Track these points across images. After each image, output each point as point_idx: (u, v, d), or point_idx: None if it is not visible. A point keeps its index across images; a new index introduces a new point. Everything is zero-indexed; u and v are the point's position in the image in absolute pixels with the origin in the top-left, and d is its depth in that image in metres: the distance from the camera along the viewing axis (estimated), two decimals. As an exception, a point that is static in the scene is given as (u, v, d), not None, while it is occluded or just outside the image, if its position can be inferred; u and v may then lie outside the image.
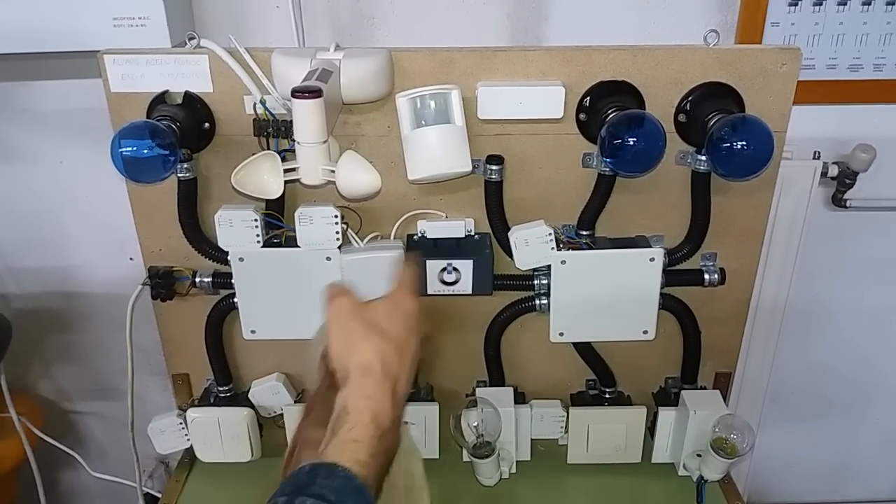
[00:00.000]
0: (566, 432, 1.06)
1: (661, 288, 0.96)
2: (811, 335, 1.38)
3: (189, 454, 1.10)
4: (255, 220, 0.91)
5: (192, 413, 1.05)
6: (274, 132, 0.88)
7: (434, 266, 0.93)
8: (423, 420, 1.05)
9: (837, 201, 1.22)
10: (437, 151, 0.87)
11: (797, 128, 0.92)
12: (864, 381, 1.45)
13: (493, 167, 0.91)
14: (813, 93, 1.11)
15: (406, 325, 0.64)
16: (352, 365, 0.60)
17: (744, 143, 0.83)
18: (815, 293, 1.33)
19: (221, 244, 0.93)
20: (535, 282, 0.98)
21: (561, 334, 0.99)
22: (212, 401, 1.07)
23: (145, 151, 0.84)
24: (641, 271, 0.94)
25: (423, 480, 0.69)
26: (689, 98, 0.89)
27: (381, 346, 0.61)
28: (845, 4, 1.08)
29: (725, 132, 0.84)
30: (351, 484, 0.54)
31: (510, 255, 0.95)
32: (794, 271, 1.26)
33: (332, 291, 0.65)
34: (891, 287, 1.34)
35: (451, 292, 0.95)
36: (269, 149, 0.88)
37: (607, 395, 1.08)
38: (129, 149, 0.84)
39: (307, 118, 0.76)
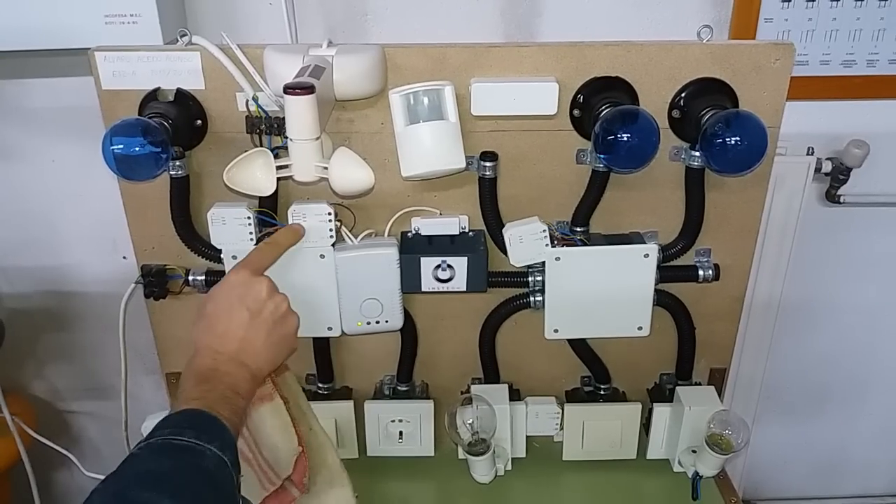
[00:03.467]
0: (561, 429, 1.06)
1: (656, 284, 0.96)
2: (805, 331, 1.38)
3: (183, 453, 1.09)
4: (248, 217, 0.91)
5: (185, 412, 1.04)
6: (266, 129, 0.88)
7: (428, 263, 0.93)
8: (417, 418, 1.04)
9: (831, 197, 1.23)
10: (431, 148, 0.86)
11: (791, 124, 0.92)
12: (858, 376, 1.45)
13: (487, 164, 0.91)
14: (806, 88, 1.11)
15: (224, 302, 0.75)
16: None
17: (738, 138, 0.83)
18: (809, 289, 1.33)
19: (214, 242, 0.93)
20: (530, 278, 0.97)
21: (555, 331, 0.99)
22: (206, 399, 1.07)
23: (137, 149, 0.83)
24: (636, 268, 0.94)
25: (340, 468, 0.83)
26: (683, 94, 0.89)
27: (198, 332, 0.74)
28: (838, 0, 1.09)
29: (719, 128, 0.84)
30: (199, 414, 0.64)
31: (504, 251, 0.94)
32: (787, 267, 1.27)
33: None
34: (885, 283, 1.34)
35: (445, 289, 0.95)
36: (261, 146, 0.88)
37: (602, 392, 1.08)
38: (121, 146, 0.83)
39: (300, 114, 0.76)
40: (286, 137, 0.79)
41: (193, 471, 0.60)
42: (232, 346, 0.73)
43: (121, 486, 0.57)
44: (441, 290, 0.95)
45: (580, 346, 1.05)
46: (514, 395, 1.07)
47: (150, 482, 0.57)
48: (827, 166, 1.18)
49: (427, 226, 0.95)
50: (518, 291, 1.00)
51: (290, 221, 0.90)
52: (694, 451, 1.01)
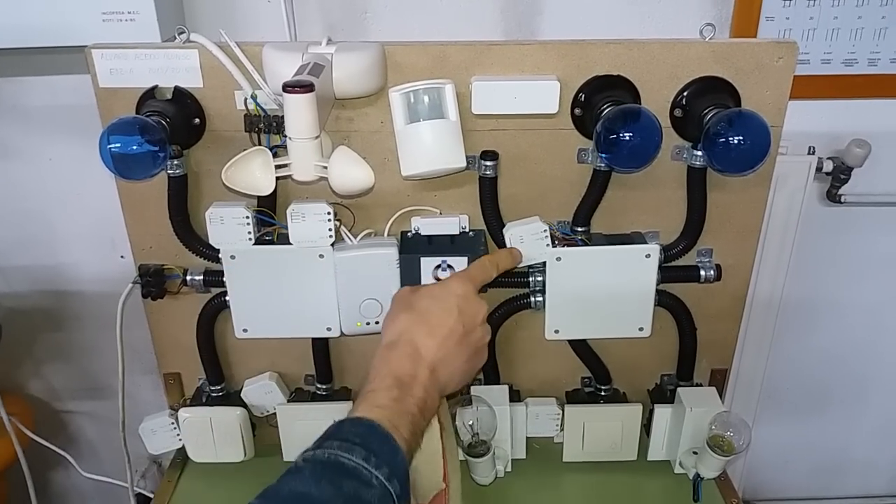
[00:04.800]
0: (562, 430, 1.06)
1: (657, 284, 0.95)
2: (806, 331, 1.38)
3: (181, 454, 1.09)
4: (247, 217, 0.90)
5: (183, 413, 1.04)
6: (265, 128, 0.87)
7: (428, 263, 0.92)
8: (417, 418, 1.04)
9: (832, 197, 1.22)
10: (431, 147, 0.86)
11: (792, 123, 0.92)
12: (859, 376, 1.45)
13: (488, 163, 0.90)
14: (808, 87, 1.11)
15: (444, 306, 0.72)
16: (382, 340, 0.72)
17: (740, 137, 0.83)
18: (810, 289, 1.33)
19: (213, 242, 0.92)
20: (530, 279, 0.97)
21: (556, 332, 0.99)
22: (204, 400, 1.06)
23: (135, 147, 0.83)
24: (637, 268, 0.94)
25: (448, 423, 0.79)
26: (685, 92, 0.88)
27: (407, 323, 0.71)
28: (840, -1, 1.08)
29: (722, 127, 0.83)
30: (374, 429, 0.60)
31: (505, 251, 0.94)
32: (788, 267, 1.26)
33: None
34: (885, 282, 1.34)
35: (445, 289, 0.94)
36: (260, 144, 0.87)
37: (603, 393, 1.08)
38: (119, 145, 0.82)
39: (299, 113, 0.75)
40: (285, 136, 0.79)
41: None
42: (437, 355, 0.69)
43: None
44: (441, 290, 0.94)
45: (581, 347, 1.04)
46: (514, 396, 1.06)
47: None
48: (828, 166, 1.18)
49: (427, 225, 0.95)
50: (518, 292, 0.99)
51: (289, 221, 0.90)
52: (695, 453, 1.00)
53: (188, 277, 0.97)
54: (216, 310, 1.00)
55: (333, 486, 0.54)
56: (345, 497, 0.54)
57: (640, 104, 0.88)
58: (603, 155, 0.87)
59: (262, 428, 1.09)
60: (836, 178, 1.19)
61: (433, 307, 0.71)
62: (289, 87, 0.73)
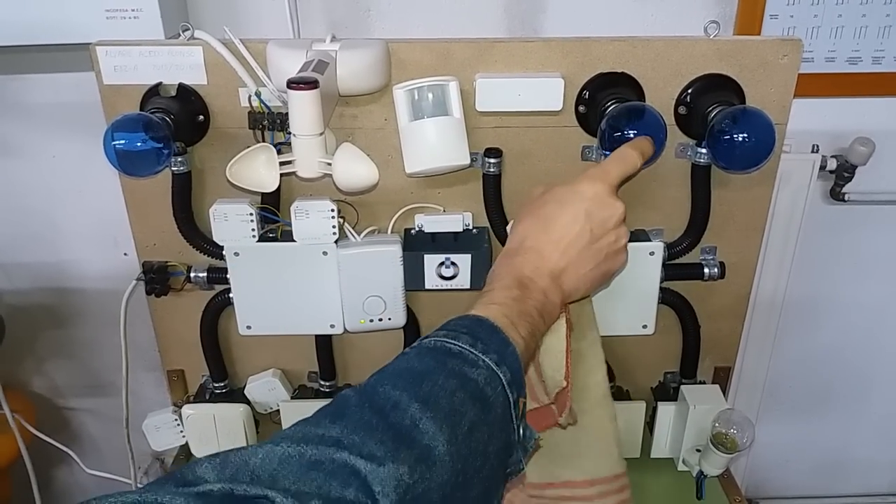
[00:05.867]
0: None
1: (661, 282, 0.95)
2: (809, 329, 1.38)
3: (185, 451, 1.09)
4: (251, 214, 0.90)
5: (187, 409, 1.04)
6: (269, 125, 0.87)
7: (432, 260, 0.92)
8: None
9: (836, 195, 1.22)
10: (435, 144, 0.86)
11: (795, 121, 0.92)
12: (861, 374, 1.45)
13: (492, 160, 0.90)
14: (811, 85, 1.11)
15: (570, 211, 0.67)
16: (506, 245, 0.69)
17: (745, 135, 0.82)
18: (813, 287, 1.33)
19: (216, 239, 0.92)
20: (534, 276, 0.97)
21: (560, 329, 0.98)
22: (207, 397, 1.06)
23: (139, 144, 0.83)
24: (641, 265, 0.94)
25: (604, 394, 0.80)
26: (690, 90, 0.88)
27: (530, 229, 0.68)
28: (844, -4, 1.08)
29: (726, 124, 0.83)
30: (484, 322, 0.58)
31: (509, 249, 0.94)
32: (792, 265, 1.26)
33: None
34: (889, 281, 1.34)
35: (448, 287, 0.94)
36: (264, 141, 0.87)
37: (606, 390, 1.07)
38: (123, 142, 0.83)
39: (303, 110, 0.75)
40: (289, 133, 0.79)
41: (458, 378, 0.52)
42: (559, 264, 0.65)
43: (377, 379, 0.53)
44: (445, 287, 0.94)
45: (584, 344, 1.04)
46: (518, 394, 1.06)
47: (407, 381, 0.52)
48: (832, 164, 1.17)
49: (430, 223, 0.95)
50: (522, 289, 0.99)
51: (292, 218, 0.90)
52: (698, 450, 1.00)
53: (192, 274, 0.97)
54: (220, 307, 1.00)
55: (436, 362, 0.54)
56: (447, 371, 0.53)
57: (644, 102, 0.88)
58: (607, 152, 0.87)
59: (265, 425, 1.09)
60: (840, 176, 1.19)
61: (559, 213, 0.67)
62: (293, 84, 0.73)
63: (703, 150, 0.89)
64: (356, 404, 0.51)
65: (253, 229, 0.91)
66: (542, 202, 0.69)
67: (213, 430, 1.04)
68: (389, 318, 0.97)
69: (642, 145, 0.77)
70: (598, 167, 0.71)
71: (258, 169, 0.82)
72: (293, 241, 0.92)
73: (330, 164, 0.80)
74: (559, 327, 0.70)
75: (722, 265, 0.98)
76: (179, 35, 0.86)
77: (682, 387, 1.03)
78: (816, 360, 1.42)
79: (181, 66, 0.87)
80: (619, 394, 1.08)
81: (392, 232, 0.96)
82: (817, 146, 1.18)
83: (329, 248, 0.92)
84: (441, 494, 0.48)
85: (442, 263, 0.93)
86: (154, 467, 1.44)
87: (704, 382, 1.08)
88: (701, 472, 1.00)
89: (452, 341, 0.55)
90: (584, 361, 0.78)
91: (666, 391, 1.08)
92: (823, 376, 1.44)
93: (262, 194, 0.90)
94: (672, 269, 0.97)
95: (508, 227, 0.92)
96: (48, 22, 0.94)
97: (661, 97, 0.89)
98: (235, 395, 1.07)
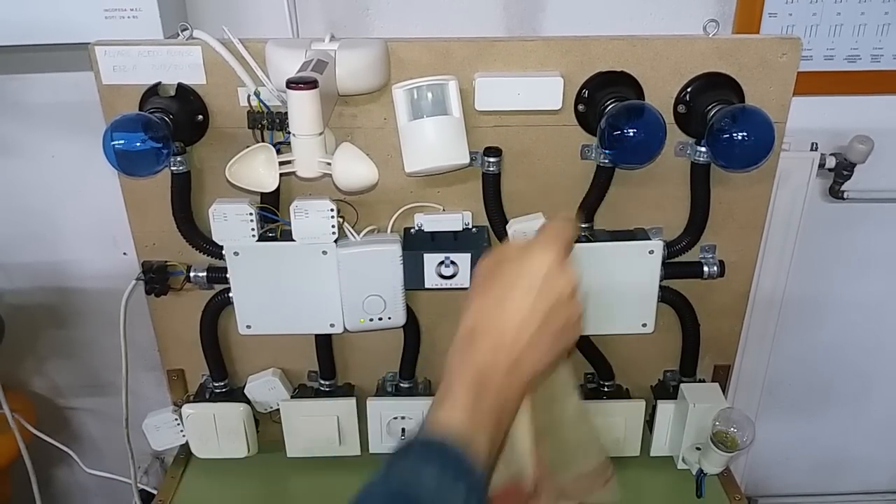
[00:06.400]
0: (564, 426, 1.06)
1: (661, 281, 0.95)
2: (808, 327, 1.38)
3: (185, 450, 1.09)
4: (250, 213, 0.90)
5: (187, 409, 1.04)
6: (269, 124, 0.87)
7: (431, 260, 0.93)
8: (420, 414, 1.04)
9: (835, 193, 1.22)
10: (435, 143, 0.86)
11: (795, 119, 0.92)
12: (861, 372, 1.45)
13: (491, 159, 0.90)
14: (810, 84, 1.10)
15: (524, 285, 0.62)
16: (460, 323, 0.63)
17: (744, 133, 0.83)
18: (811, 285, 1.33)
19: (216, 238, 0.92)
20: (534, 275, 0.97)
21: (559, 328, 0.98)
22: (207, 396, 1.06)
23: (138, 144, 0.83)
24: (640, 264, 0.94)
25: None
26: (689, 88, 0.88)
27: (483, 308, 0.62)
28: (843, -5, 1.08)
29: (726, 123, 0.83)
30: (446, 452, 0.54)
31: (508, 248, 0.94)
32: (791, 263, 1.26)
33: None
34: (888, 279, 1.34)
35: (448, 286, 0.94)
36: (263, 141, 0.87)
37: (606, 389, 1.08)
38: (122, 142, 0.83)
39: (303, 109, 0.75)
40: (288, 133, 0.79)
41: None
42: (515, 350, 0.61)
43: None
44: (444, 286, 0.94)
45: (584, 343, 1.04)
46: (518, 392, 1.06)
47: None
48: (831, 162, 1.17)
49: (430, 222, 0.95)
50: (521, 288, 0.99)
51: (292, 217, 0.90)
52: (698, 449, 1.00)
53: (191, 274, 0.97)
54: (219, 306, 1.00)
55: None
56: None
57: (643, 100, 0.88)
58: (606, 151, 0.87)
59: (265, 424, 1.09)
60: (839, 174, 1.19)
61: (511, 292, 0.62)
62: (292, 84, 0.73)
63: (703, 149, 0.89)
64: None
65: (252, 229, 0.91)
66: (492, 280, 0.64)
67: (213, 429, 1.04)
68: (389, 318, 0.97)
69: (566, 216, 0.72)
70: (546, 234, 0.66)
71: (257, 168, 0.82)
72: (293, 240, 0.92)
73: (329, 164, 0.80)
74: (522, 414, 0.66)
75: (721, 263, 0.98)
76: (178, 35, 0.86)
77: (682, 385, 1.03)
78: (816, 357, 1.42)
79: (180, 66, 0.87)
80: (618, 392, 1.08)
81: (392, 231, 0.96)
82: (816, 144, 1.17)
83: (329, 248, 0.92)
84: None
85: (441, 262, 0.93)
86: (154, 467, 1.44)
87: (704, 381, 1.08)
88: (701, 471, 1.00)
89: (417, 486, 0.53)
90: (568, 431, 0.74)
91: (666, 389, 1.08)
92: (823, 374, 1.45)
93: (262, 194, 0.91)
94: (671, 268, 0.97)
95: (509, 228, 0.92)
96: (47, 22, 0.94)
97: (661, 96, 0.89)
98: (235, 394, 1.07)
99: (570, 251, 0.66)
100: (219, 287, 0.99)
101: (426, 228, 0.95)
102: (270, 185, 0.83)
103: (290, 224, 0.91)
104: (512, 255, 0.64)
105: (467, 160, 0.87)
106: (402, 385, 1.07)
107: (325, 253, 0.92)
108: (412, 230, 0.96)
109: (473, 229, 0.96)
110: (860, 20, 1.10)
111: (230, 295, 0.97)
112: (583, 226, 0.95)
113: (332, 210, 0.90)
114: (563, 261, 0.64)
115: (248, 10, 1.06)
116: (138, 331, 1.08)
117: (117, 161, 0.83)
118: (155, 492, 1.06)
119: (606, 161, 0.90)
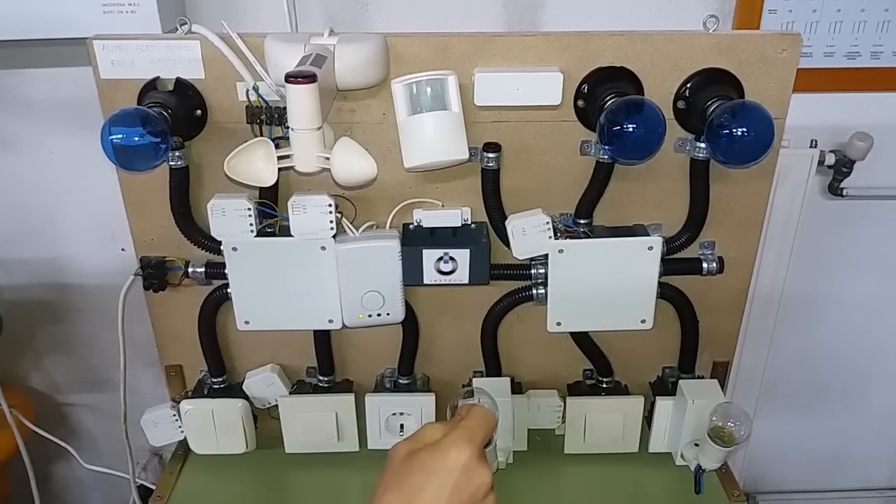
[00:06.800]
0: (563, 422, 1.06)
1: (659, 277, 0.95)
2: (807, 324, 1.38)
3: (183, 446, 1.09)
4: (249, 208, 0.90)
5: (185, 405, 1.04)
6: (267, 119, 0.87)
7: (430, 255, 0.92)
8: (419, 411, 1.04)
9: (834, 190, 1.22)
10: (434, 139, 0.85)
11: (794, 115, 0.92)
12: (859, 369, 1.45)
13: (490, 155, 0.90)
14: (810, 80, 1.10)
15: (437, 482, 0.60)
16: None
17: (744, 129, 0.82)
18: (811, 282, 1.33)
19: (214, 233, 0.92)
20: (533, 271, 0.97)
21: (558, 324, 0.98)
22: (205, 392, 1.06)
23: (136, 139, 0.82)
24: (639, 260, 0.94)
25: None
26: (689, 84, 0.88)
27: (390, 501, 0.59)
28: (843, -8, 1.08)
29: (725, 118, 0.83)
30: None
31: (507, 244, 0.94)
32: (790, 260, 1.26)
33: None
34: (887, 276, 1.34)
35: (447, 282, 0.94)
36: (262, 136, 0.87)
37: (604, 385, 1.08)
38: (120, 136, 0.82)
39: (301, 104, 0.75)
40: (287, 127, 0.78)
41: None
42: None
43: None
44: (443, 282, 0.94)
45: (583, 339, 1.04)
46: (516, 389, 1.06)
47: None
48: (830, 159, 1.17)
49: (429, 218, 0.94)
50: (521, 284, 0.99)
51: (290, 213, 0.89)
52: (696, 445, 1.00)
53: (190, 269, 0.97)
54: (218, 302, 1.00)
55: None
56: None
57: (643, 96, 0.88)
58: (606, 147, 0.87)
59: (263, 420, 1.09)
60: (839, 171, 1.19)
61: (424, 486, 0.60)
62: (291, 78, 0.73)
63: (702, 145, 0.89)
64: None
65: (251, 224, 0.91)
66: (406, 471, 0.61)
67: (212, 425, 1.04)
68: (388, 314, 0.97)
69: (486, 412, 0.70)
70: (463, 428, 0.64)
71: (256, 163, 0.82)
72: (291, 236, 0.91)
73: (328, 159, 0.80)
74: None
75: (720, 260, 0.98)
76: (177, 29, 0.86)
77: (681, 381, 1.03)
78: (814, 354, 1.42)
79: (179, 61, 0.87)
80: (617, 388, 1.08)
81: (390, 227, 0.96)
82: (816, 141, 1.17)
83: (327, 243, 0.92)
84: None
85: (440, 258, 0.93)
86: (152, 463, 1.44)
87: (703, 377, 1.08)
88: (699, 467, 1.00)
89: None
90: None
91: (664, 386, 1.08)
92: (821, 370, 1.45)
93: (260, 189, 0.90)
94: (670, 264, 0.97)
95: (508, 224, 0.92)
96: (45, 16, 0.94)
97: (660, 91, 0.89)
98: (234, 390, 1.06)
99: (489, 444, 0.65)
100: (217, 283, 0.99)
101: (425, 224, 0.95)
102: (269, 179, 0.83)
103: (288, 219, 0.90)
104: (428, 445, 0.62)
105: (466, 155, 0.87)
106: (400, 381, 1.07)
107: (323, 248, 0.92)
108: (411, 226, 0.96)
109: (472, 225, 0.96)
110: (860, 17, 1.10)
111: (228, 290, 0.96)
112: (582, 222, 0.95)
113: (330, 206, 0.89)
114: (480, 456, 0.62)
115: (246, 5, 1.05)
116: (136, 327, 1.08)
117: (115, 156, 0.83)
118: (153, 487, 1.06)
119: (606, 157, 0.90)
